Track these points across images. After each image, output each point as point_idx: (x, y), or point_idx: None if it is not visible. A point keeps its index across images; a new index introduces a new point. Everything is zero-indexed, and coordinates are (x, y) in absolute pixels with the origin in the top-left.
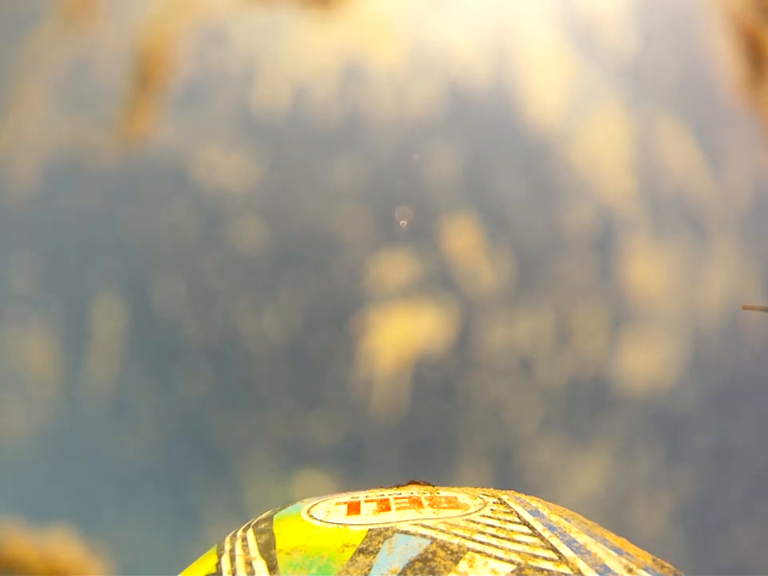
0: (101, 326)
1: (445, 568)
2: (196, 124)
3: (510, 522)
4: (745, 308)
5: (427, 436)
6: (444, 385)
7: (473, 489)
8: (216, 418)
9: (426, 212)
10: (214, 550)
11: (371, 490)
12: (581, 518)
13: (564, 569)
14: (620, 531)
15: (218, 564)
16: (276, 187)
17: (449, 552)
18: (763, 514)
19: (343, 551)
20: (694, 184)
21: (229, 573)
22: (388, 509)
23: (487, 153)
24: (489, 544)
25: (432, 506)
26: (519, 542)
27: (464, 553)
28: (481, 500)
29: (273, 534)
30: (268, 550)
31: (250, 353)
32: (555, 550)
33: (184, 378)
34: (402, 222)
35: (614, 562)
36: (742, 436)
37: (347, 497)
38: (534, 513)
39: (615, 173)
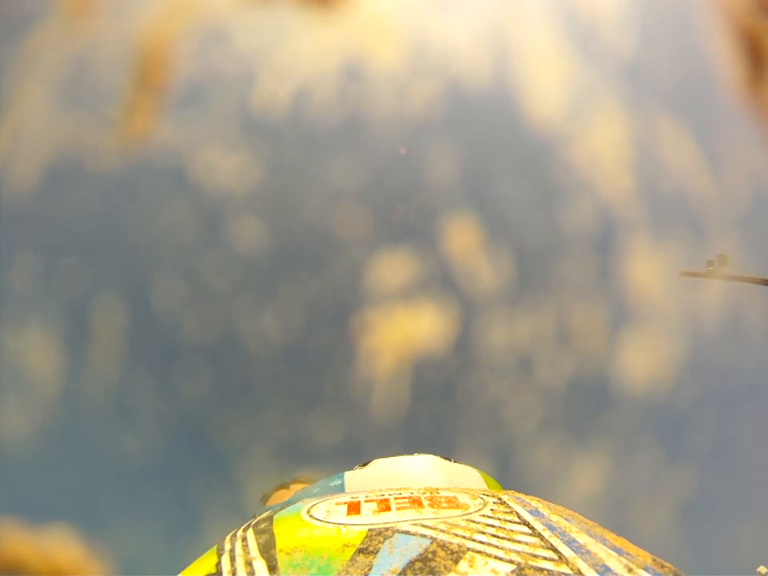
0: (101, 326)
1: (445, 568)
2: (196, 124)
3: (510, 521)
4: (682, 274)
5: (427, 436)
6: (444, 385)
7: (473, 489)
8: (216, 418)
9: (426, 212)
10: (213, 549)
11: (371, 490)
12: (581, 517)
13: (564, 568)
14: (620, 531)
15: (218, 564)
16: (276, 187)
17: (449, 552)
18: (763, 513)
19: (343, 551)
20: (694, 184)
21: (229, 573)
22: (388, 509)
23: (487, 152)
24: (489, 544)
25: (432, 506)
26: (519, 542)
27: (464, 553)
28: (481, 500)
29: (273, 534)
30: (268, 549)
31: (250, 353)
32: (555, 550)
33: (184, 378)
34: (397, 224)
35: (614, 562)
36: (741, 435)
37: (347, 497)
38: (534, 513)
39: (615, 173)
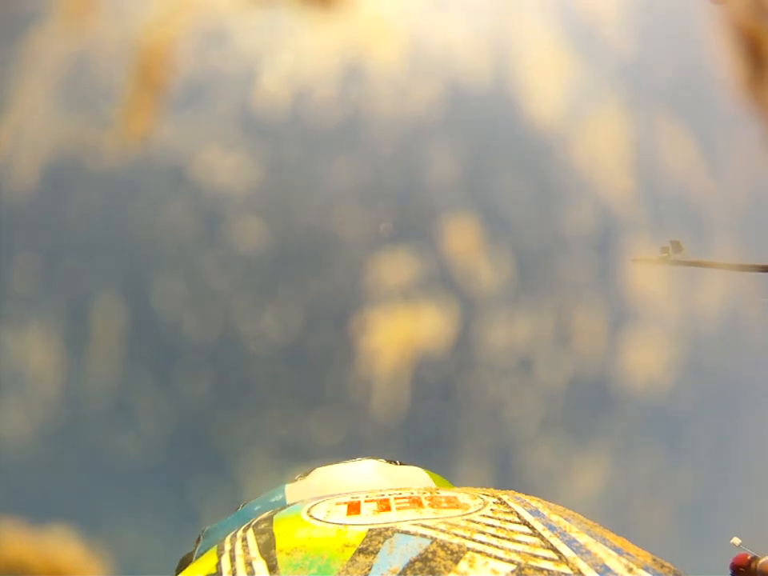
0: (101, 326)
1: (445, 568)
2: (196, 124)
3: (510, 521)
4: (634, 261)
5: (427, 436)
6: (444, 385)
7: (473, 489)
8: (216, 418)
9: (426, 212)
10: (214, 549)
11: (371, 490)
12: (581, 517)
13: (564, 568)
14: (620, 531)
15: (218, 564)
16: (276, 187)
17: (449, 552)
18: (762, 513)
19: (343, 551)
20: (694, 184)
21: (229, 573)
22: (388, 509)
23: (487, 153)
24: (489, 544)
25: (432, 506)
26: (519, 542)
27: (464, 553)
28: (481, 500)
29: (273, 534)
30: (268, 550)
31: (250, 353)
32: (555, 550)
33: (184, 378)
34: (383, 226)
35: (614, 562)
36: (741, 435)
37: (347, 497)
38: (534, 513)
39: (615, 173)
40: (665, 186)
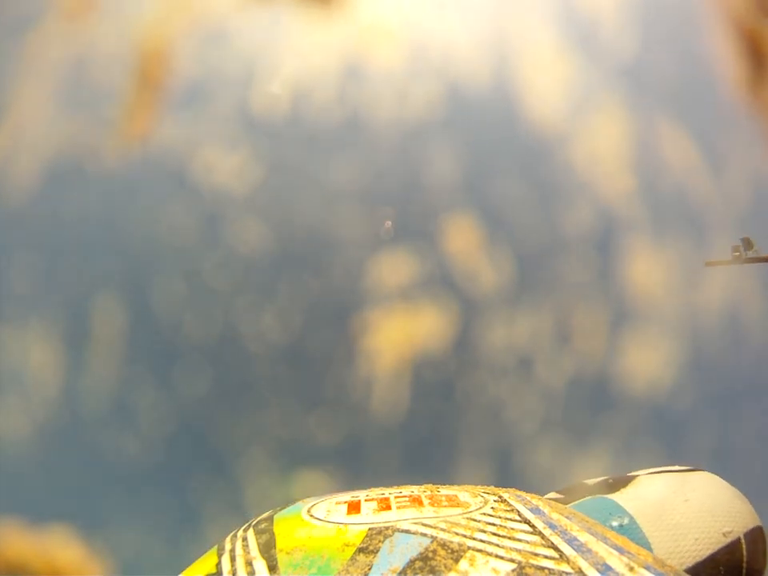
0: (101, 326)
1: (445, 567)
2: (196, 124)
3: (511, 520)
4: (708, 264)
5: (427, 436)
6: (444, 385)
7: (473, 487)
8: (216, 418)
9: (426, 212)
10: (214, 549)
11: (371, 489)
12: (582, 516)
13: (565, 567)
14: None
15: (219, 564)
16: (276, 188)
17: (449, 551)
18: (764, 515)
19: (343, 550)
20: (693, 184)
21: (229, 573)
22: (388, 508)
23: (487, 153)
24: (489, 542)
25: (432, 505)
26: (520, 541)
27: (464, 551)
28: (482, 498)
29: (273, 534)
30: (268, 549)
31: (250, 353)
32: (556, 549)
33: (184, 378)
34: (387, 227)
35: (615, 561)
36: (742, 436)
37: (347, 496)
38: (535, 511)
39: (615, 173)
40: (665, 185)
